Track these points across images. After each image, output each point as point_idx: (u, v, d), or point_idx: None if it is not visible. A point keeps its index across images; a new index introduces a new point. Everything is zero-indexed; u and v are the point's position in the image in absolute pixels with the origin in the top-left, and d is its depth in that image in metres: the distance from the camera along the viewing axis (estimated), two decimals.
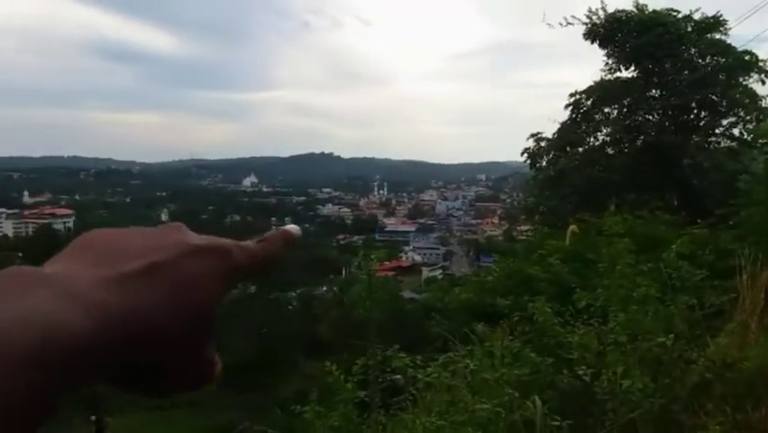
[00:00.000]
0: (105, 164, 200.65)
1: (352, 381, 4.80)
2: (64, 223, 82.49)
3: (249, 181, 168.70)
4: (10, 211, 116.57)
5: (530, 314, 4.67)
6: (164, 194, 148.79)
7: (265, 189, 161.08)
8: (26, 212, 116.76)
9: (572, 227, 5.03)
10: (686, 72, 15.03)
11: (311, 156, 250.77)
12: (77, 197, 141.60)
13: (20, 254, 52.11)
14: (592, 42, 15.56)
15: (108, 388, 0.32)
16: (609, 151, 15.95)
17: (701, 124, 15.60)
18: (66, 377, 0.25)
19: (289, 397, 29.28)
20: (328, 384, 5.31)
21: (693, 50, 15.30)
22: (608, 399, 3.51)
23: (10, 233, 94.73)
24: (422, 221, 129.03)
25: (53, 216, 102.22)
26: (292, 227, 0.44)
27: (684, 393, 3.50)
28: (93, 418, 15.20)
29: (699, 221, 9.25)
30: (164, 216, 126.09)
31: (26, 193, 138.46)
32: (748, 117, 14.87)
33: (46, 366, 0.24)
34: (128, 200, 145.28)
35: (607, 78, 16.00)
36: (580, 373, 3.58)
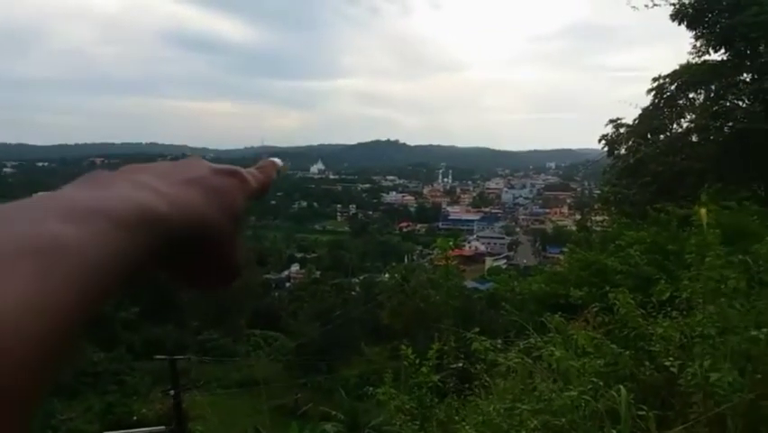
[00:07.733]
0: (181, 150, 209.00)
1: (427, 365, 4.85)
2: None
3: (316, 168, 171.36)
4: None
5: (609, 305, 4.56)
6: None
7: (331, 177, 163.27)
8: None
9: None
10: None
11: (377, 143, 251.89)
12: None
13: None
14: (680, 24, 14.70)
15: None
16: (694, 138, 15.16)
17: None
18: (153, 240, 0.32)
19: (351, 380, 29.80)
20: (397, 368, 5.37)
21: None
22: (693, 392, 3.39)
23: None
24: (487, 210, 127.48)
25: None
26: (277, 160, 0.56)
27: None
28: (171, 392, 16.05)
29: None
30: None
31: None
32: None
33: (141, 228, 0.31)
34: None
35: (694, 61, 15.16)
36: (667, 364, 3.47)
